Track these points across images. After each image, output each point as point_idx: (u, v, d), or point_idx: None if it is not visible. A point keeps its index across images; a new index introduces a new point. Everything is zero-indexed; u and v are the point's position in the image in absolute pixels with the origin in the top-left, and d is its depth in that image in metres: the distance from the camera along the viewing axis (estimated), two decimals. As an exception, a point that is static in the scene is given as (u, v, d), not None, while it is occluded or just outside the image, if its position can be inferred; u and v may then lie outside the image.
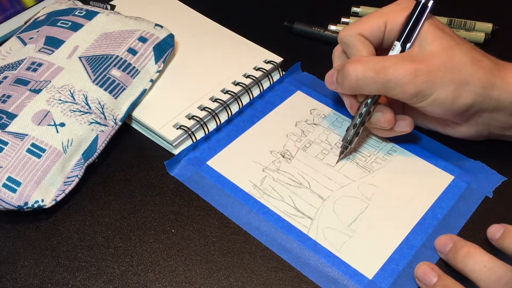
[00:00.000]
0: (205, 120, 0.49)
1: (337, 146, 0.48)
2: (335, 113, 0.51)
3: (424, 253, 0.40)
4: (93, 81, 0.47)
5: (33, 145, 0.43)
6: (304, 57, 0.56)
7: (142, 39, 0.51)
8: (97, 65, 0.48)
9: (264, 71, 0.53)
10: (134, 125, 0.50)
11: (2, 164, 0.42)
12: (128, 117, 0.49)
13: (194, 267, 0.40)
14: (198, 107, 0.49)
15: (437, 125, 0.46)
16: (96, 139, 0.45)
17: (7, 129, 0.44)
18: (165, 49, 0.52)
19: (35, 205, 0.42)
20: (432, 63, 0.40)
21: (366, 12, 0.60)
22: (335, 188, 0.44)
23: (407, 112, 0.46)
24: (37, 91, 0.46)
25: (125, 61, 0.49)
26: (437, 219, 0.42)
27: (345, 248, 0.41)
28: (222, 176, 0.45)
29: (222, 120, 0.49)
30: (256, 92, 0.52)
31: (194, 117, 0.48)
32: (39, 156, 0.43)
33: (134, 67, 0.49)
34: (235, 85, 0.51)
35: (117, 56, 0.49)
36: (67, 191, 0.43)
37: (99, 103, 0.47)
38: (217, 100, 0.50)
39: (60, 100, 0.46)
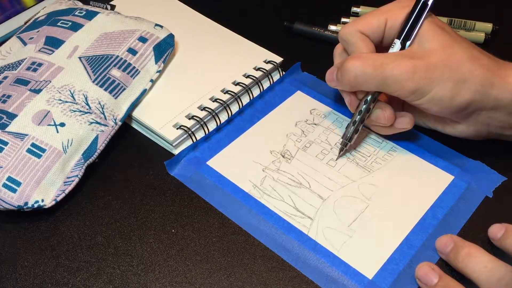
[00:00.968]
0: (205, 120, 0.49)
1: (337, 146, 0.48)
2: (335, 113, 0.51)
3: (424, 253, 0.40)
4: (93, 81, 0.47)
5: (33, 145, 0.43)
6: (304, 57, 0.56)
7: (142, 39, 0.51)
8: (97, 65, 0.48)
9: (264, 71, 0.53)
10: (134, 125, 0.50)
11: (2, 164, 0.42)
12: (128, 117, 0.49)
13: (194, 267, 0.40)
14: (198, 107, 0.49)
15: (437, 124, 0.46)
16: (96, 139, 0.45)
17: (7, 129, 0.44)
18: (165, 49, 0.52)
19: (35, 205, 0.42)
20: (431, 60, 0.40)
21: (366, 12, 0.60)
22: (335, 188, 0.44)
23: (407, 111, 0.46)
24: (37, 91, 0.46)
25: (125, 61, 0.49)
26: (437, 219, 0.42)
27: (345, 248, 0.41)
28: (222, 176, 0.45)
29: (222, 120, 0.49)
30: (256, 92, 0.52)
31: (194, 117, 0.48)
32: (39, 156, 0.43)
33: (134, 67, 0.49)
34: (235, 85, 0.51)
35: (117, 56, 0.49)
36: (67, 191, 0.43)
37: (99, 103, 0.47)
38: (217, 100, 0.50)
39: (60, 100, 0.46)
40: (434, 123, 0.46)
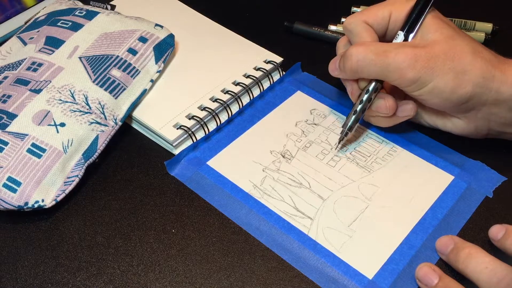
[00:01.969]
0: (205, 120, 0.49)
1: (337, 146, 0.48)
2: (335, 113, 0.51)
3: (424, 253, 0.40)
4: (93, 81, 0.47)
5: (33, 145, 0.43)
6: (304, 57, 0.56)
7: (142, 39, 0.51)
8: (97, 65, 0.48)
9: (264, 71, 0.53)
10: (134, 125, 0.50)
11: (2, 164, 0.42)
12: (128, 117, 0.49)
13: (194, 267, 0.40)
14: (198, 107, 0.49)
15: (437, 120, 0.46)
16: (96, 139, 0.45)
17: (7, 129, 0.44)
18: (165, 49, 0.52)
19: (35, 205, 0.42)
20: (433, 50, 0.41)
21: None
22: (335, 188, 0.44)
23: None
24: (37, 91, 0.46)
25: (125, 61, 0.49)
26: (437, 219, 0.42)
27: (345, 248, 0.41)
28: (222, 176, 0.45)
29: (222, 120, 0.49)
30: (256, 92, 0.52)
31: (194, 117, 0.48)
32: (39, 156, 0.43)
33: (134, 67, 0.49)
34: (235, 85, 0.51)
35: (117, 56, 0.49)
36: (67, 191, 0.43)
37: (100, 103, 0.47)
38: (217, 100, 0.50)
39: (61, 100, 0.46)
40: (435, 119, 0.46)
